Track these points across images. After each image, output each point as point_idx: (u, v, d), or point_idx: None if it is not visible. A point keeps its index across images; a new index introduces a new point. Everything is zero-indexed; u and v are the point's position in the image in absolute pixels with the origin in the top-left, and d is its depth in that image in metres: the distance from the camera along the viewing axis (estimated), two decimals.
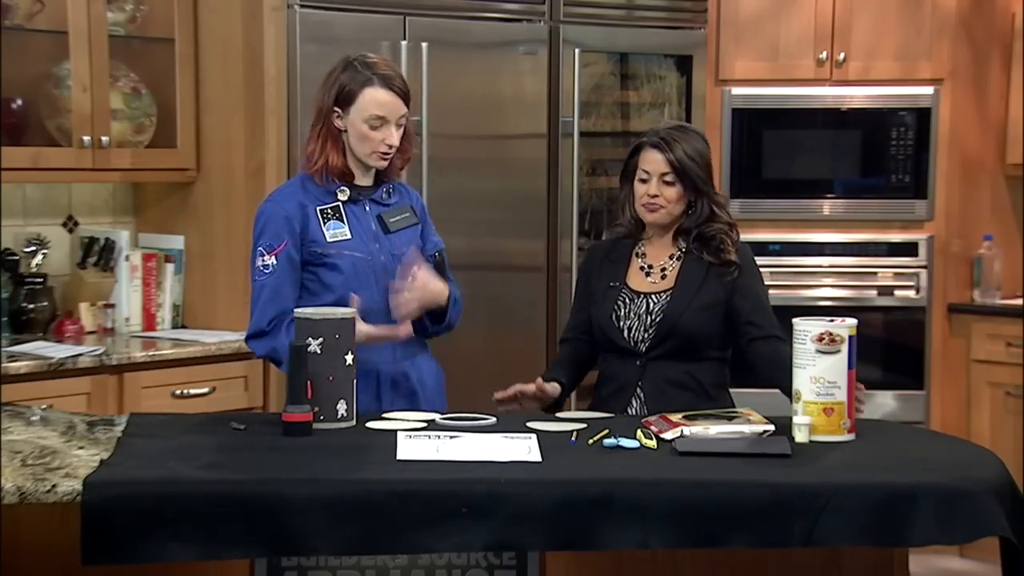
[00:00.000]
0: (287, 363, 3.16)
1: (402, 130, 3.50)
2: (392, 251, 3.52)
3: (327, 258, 3.48)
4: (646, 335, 3.55)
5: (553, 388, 3.56)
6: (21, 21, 4.46)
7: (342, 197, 3.51)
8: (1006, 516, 2.77)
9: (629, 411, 3.53)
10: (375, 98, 3.45)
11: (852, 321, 3.14)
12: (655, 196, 3.54)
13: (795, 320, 3.17)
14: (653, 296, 3.57)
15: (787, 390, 3.21)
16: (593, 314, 3.63)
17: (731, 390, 3.64)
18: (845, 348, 3.10)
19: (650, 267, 3.62)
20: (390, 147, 3.48)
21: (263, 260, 3.46)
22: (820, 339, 3.09)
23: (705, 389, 3.56)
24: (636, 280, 3.61)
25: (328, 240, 3.48)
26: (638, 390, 3.57)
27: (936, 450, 3.18)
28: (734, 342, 3.59)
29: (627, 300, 3.59)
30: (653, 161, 3.54)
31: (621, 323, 3.58)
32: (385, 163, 3.51)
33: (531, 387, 3.53)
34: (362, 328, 3.28)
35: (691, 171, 3.52)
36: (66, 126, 4.50)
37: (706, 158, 3.57)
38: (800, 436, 3.09)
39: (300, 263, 3.48)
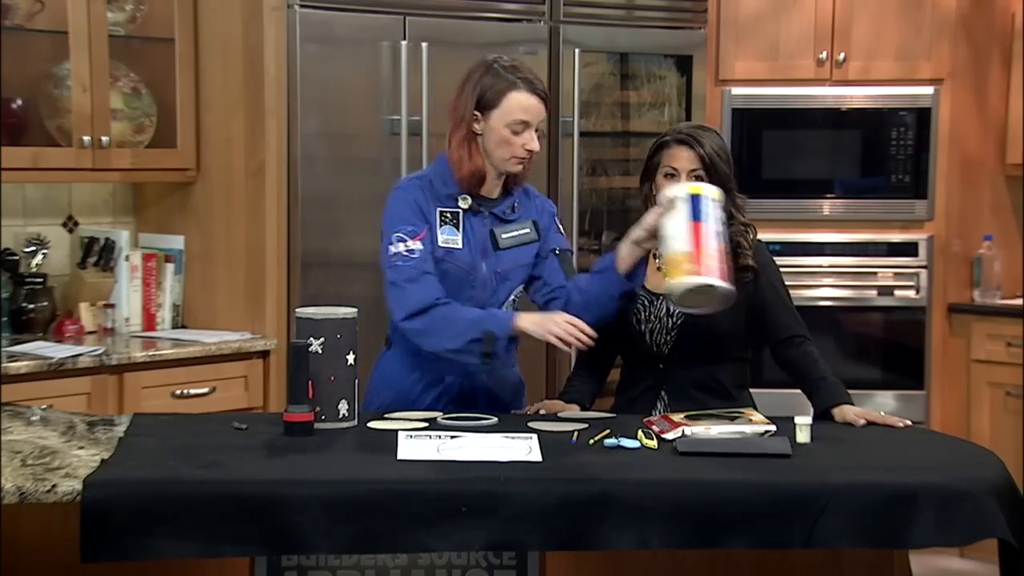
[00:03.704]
0: (293, 361, 3.13)
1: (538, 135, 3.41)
2: (496, 268, 3.43)
3: (435, 261, 3.39)
4: (668, 338, 3.52)
5: (573, 411, 3.50)
6: (21, 21, 4.46)
7: (463, 205, 3.42)
8: (1006, 517, 2.77)
9: (654, 414, 3.43)
10: (520, 102, 3.35)
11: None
12: None
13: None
14: None
15: (809, 395, 3.40)
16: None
17: (751, 390, 3.63)
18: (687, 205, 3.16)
19: None
20: (530, 152, 3.37)
21: (407, 245, 3.34)
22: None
23: (727, 390, 3.54)
24: (654, 281, 3.53)
25: (440, 244, 3.39)
26: (662, 393, 3.54)
27: (936, 450, 3.18)
28: (760, 342, 3.59)
29: (647, 303, 3.53)
30: (681, 158, 3.48)
31: (643, 327, 3.54)
32: (522, 168, 3.41)
33: (547, 411, 3.47)
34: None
35: (719, 167, 3.48)
36: (66, 126, 4.50)
37: (729, 156, 3.54)
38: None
39: None
